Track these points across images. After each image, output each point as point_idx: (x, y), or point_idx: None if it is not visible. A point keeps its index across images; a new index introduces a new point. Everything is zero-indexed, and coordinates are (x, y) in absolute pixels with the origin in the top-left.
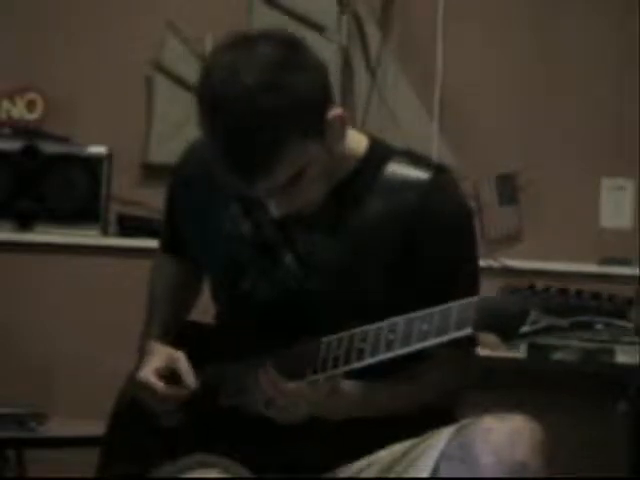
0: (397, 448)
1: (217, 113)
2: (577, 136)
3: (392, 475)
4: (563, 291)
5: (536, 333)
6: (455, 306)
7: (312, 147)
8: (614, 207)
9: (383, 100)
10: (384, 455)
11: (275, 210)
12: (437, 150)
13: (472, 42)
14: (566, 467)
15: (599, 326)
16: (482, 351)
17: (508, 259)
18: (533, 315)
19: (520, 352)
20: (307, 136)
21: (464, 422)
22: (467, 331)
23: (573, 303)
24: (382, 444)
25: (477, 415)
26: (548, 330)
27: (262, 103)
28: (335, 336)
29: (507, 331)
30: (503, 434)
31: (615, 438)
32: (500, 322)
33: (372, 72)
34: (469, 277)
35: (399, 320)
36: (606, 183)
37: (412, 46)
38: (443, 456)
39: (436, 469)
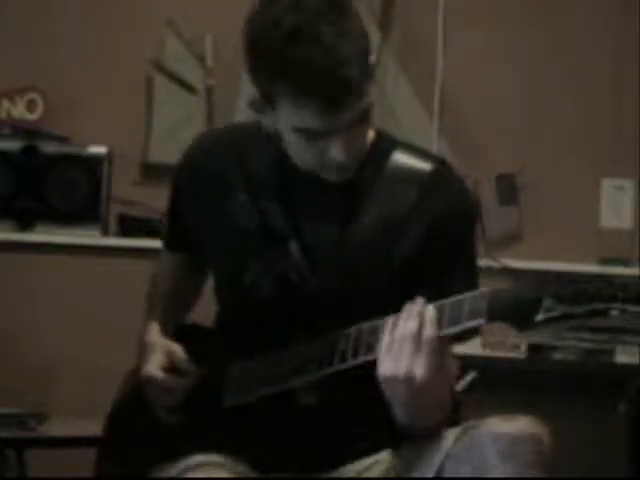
0: (402, 448)
1: (291, 39)
2: (577, 136)
3: (396, 475)
4: (574, 280)
5: (551, 321)
6: (467, 297)
7: (370, 83)
8: (614, 207)
9: (383, 100)
10: (388, 455)
11: (339, 154)
12: (437, 150)
13: (472, 42)
14: (566, 467)
15: (614, 312)
16: (482, 351)
17: (508, 259)
18: (546, 303)
19: (520, 352)
20: (368, 67)
21: (470, 423)
22: (480, 321)
23: (586, 290)
24: (385, 444)
25: (481, 416)
26: (564, 318)
27: (337, 22)
28: (343, 331)
29: (521, 320)
30: (509, 435)
31: (615, 438)
32: (513, 311)
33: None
34: (472, 263)
35: None
36: (606, 183)
37: (412, 46)
38: (449, 456)
39: (441, 469)
